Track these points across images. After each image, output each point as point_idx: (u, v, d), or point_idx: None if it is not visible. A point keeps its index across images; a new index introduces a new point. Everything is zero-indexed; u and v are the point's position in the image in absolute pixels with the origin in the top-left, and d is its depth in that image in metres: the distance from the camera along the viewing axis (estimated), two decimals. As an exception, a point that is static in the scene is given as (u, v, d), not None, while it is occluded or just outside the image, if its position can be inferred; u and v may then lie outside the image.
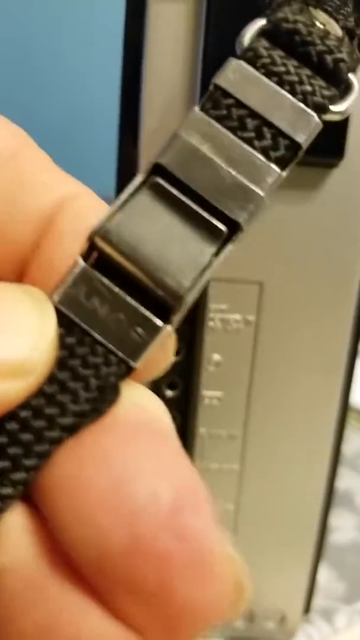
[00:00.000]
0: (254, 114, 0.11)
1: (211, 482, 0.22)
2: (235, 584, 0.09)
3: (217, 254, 0.10)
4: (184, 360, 0.20)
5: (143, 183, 0.10)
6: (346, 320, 0.19)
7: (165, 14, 0.16)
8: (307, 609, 0.24)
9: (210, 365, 0.19)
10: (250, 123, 0.11)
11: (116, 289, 0.10)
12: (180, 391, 0.21)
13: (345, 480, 0.32)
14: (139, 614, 0.08)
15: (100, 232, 0.10)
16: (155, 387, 0.20)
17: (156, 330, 0.10)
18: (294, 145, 0.11)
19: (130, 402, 0.10)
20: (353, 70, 0.12)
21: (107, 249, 0.10)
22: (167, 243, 0.10)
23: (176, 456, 0.09)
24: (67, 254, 0.10)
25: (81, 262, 0.10)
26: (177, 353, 0.20)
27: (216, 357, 0.19)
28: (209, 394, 0.20)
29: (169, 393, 0.21)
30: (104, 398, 0.09)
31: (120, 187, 0.18)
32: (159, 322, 0.10)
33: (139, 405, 0.10)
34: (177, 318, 0.10)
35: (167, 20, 0.16)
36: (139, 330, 0.10)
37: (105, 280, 0.10)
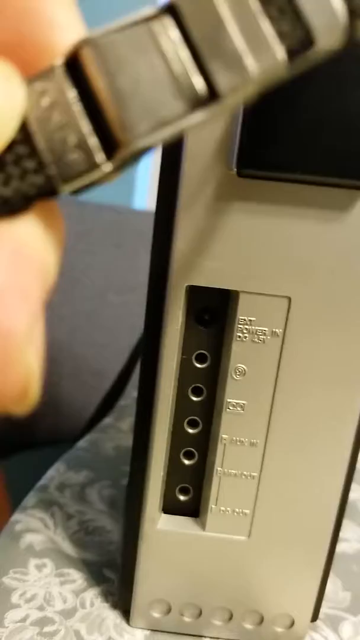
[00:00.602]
0: None
1: (230, 487, 0.22)
2: (22, 382, 0.10)
3: (185, 114, 0.10)
4: (210, 367, 0.21)
5: (151, 16, 0.10)
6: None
7: None
8: (315, 616, 0.24)
9: (236, 374, 0.20)
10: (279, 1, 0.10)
11: (77, 106, 0.10)
12: (205, 397, 0.21)
13: (352, 492, 0.32)
14: None
15: (90, 43, 0.10)
16: (181, 391, 0.21)
17: (95, 165, 0.10)
18: (308, 38, 0.10)
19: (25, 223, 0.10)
20: None
21: (88, 60, 0.10)
22: (144, 84, 0.10)
23: (20, 266, 0.10)
24: (50, 46, 0.10)
25: (58, 64, 0.10)
26: (204, 360, 0.21)
27: (242, 366, 0.20)
28: (232, 402, 0.20)
29: (194, 398, 0.21)
30: (12, 203, 0.10)
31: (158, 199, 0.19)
32: (100, 157, 0.10)
33: (30, 229, 0.10)
34: (118, 160, 0.10)
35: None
36: (80, 158, 0.10)
37: (72, 93, 0.10)
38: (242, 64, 0.10)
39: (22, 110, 0.10)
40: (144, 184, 0.96)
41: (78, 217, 0.75)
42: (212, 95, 0.10)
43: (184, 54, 0.10)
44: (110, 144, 0.10)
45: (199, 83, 0.10)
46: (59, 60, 0.10)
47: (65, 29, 0.10)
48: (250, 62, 0.10)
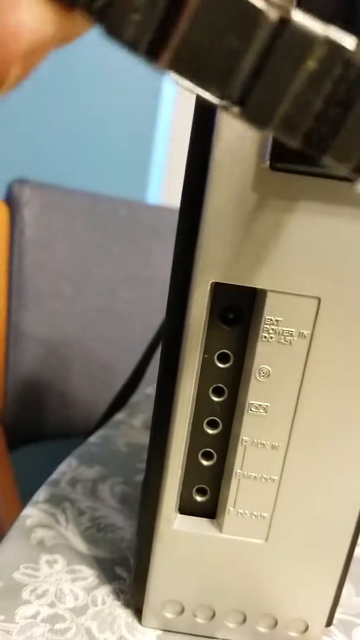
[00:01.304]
0: None
1: (249, 490, 0.22)
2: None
3: (214, 94, 0.11)
4: (233, 367, 0.20)
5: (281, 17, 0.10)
6: None
7: None
8: (329, 622, 0.24)
9: (260, 375, 0.20)
10: None
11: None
12: (226, 398, 0.21)
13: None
14: None
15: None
16: (201, 391, 0.21)
17: (136, 48, 0.11)
18: None
19: None
20: None
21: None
22: (217, 41, 0.11)
23: None
24: None
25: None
26: (226, 360, 0.20)
27: (266, 367, 0.19)
28: (255, 403, 0.20)
29: (215, 399, 0.21)
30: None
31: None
32: (142, 49, 0.11)
33: None
34: (150, 61, 0.11)
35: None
36: (132, 30, 0.10)
37: None
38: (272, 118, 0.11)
39: None
40: (157, 179, 0.96)
41: (91, 212, 0.74)
42: (241, 102, 0.11)
43: (254, 58, 0.11)
44: (160, 41, 0.10)
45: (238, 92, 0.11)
46: None
47: None
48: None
